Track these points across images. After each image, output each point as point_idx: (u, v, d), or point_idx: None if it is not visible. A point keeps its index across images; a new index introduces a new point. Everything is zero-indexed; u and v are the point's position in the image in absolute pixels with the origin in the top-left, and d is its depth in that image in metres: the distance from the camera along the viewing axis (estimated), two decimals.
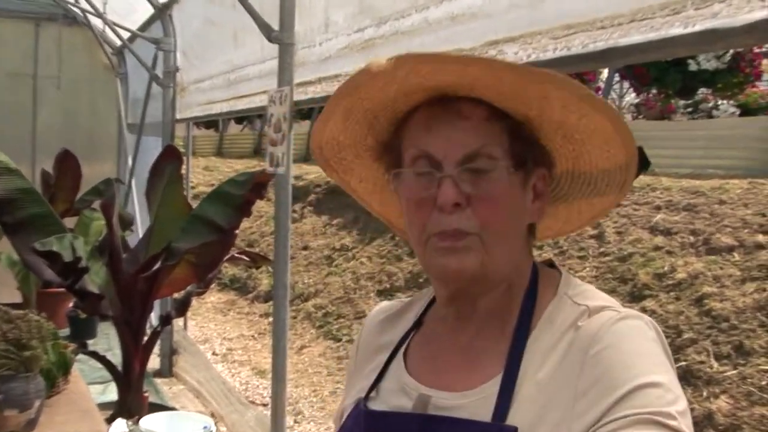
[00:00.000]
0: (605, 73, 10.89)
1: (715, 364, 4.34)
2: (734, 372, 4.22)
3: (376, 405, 1.14)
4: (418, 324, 1.21)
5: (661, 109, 11.15)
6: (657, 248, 5.51)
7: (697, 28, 1.49)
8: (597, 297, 1.07)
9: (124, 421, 2.19)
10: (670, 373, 0.96)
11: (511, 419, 0.98)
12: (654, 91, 10.32)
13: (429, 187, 1.03)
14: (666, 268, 5.26)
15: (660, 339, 1.01)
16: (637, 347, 0.97)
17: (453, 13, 2.30)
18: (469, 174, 1.02)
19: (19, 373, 2.32)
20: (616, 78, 11.99)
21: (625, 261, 5.53)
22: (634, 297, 5.17)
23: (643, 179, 6.70)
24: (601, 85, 11.19)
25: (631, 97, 13.33)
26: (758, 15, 1.36)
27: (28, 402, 2.32)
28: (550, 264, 1.16)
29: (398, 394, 1.12)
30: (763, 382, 4.04)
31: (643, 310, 4.94)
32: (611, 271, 5.53)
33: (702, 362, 4.36)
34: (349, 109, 1.11)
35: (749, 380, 4.11)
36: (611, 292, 5.33)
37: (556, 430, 0.95)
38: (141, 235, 5.03)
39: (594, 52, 1.75)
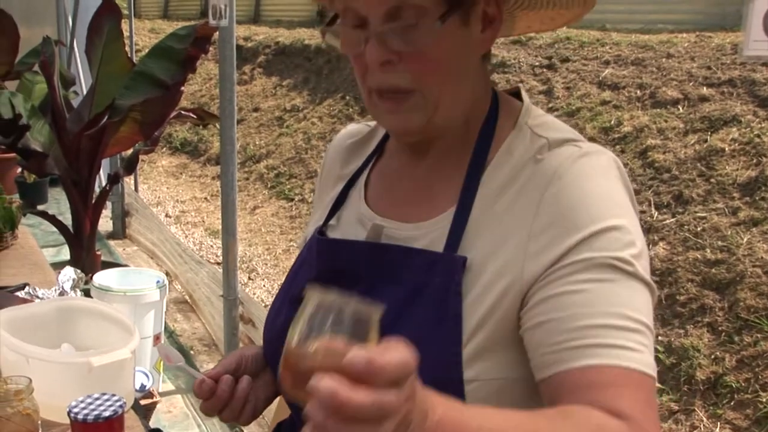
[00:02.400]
0: None
1: (656, 213, 4.48)
2: (672, 220, 4.37)
3: (334, 233, 1.15)
4: (379, 151, 1.20)
5: None
6: (604, 102, 5.56)
7: None
8: (559, 128, 1.04)
9: (72, 269, 2.21)
10: (630, 214, 0.96)
11: (462, 251, 0.97)
12: None
13: (359, 44, 0.99)
14: (612, 122, 5.33)
15: (622, 176, 0.99)
16: (597, 187, 0.95)
17: None
18: (396, 31, 0.96)
19: None
20: None
21: (573, 115, 5.59)
22: None
23: (593, 34, 6.69)
24: None
25: None
26: None
27: None
28: (515, 92, 1.12)
29: (355, 224, 1.12)
30: (699, 228, 4.20)
31: None
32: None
33: (643, 212, 4.50)
34: None
35: (686, 227, 4.27)
36: None
37: (507, 266, 0.94)
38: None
39: None
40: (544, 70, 6.32)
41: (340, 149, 1.27)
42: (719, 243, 4.03)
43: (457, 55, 1.00)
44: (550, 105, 5.86)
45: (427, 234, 1.02)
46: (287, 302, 1.13)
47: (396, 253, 1.03)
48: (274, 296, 1.21)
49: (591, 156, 0.98)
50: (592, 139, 5.27)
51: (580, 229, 0.91)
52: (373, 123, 1.26)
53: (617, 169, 0.99)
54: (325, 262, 1.10)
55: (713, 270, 3.91)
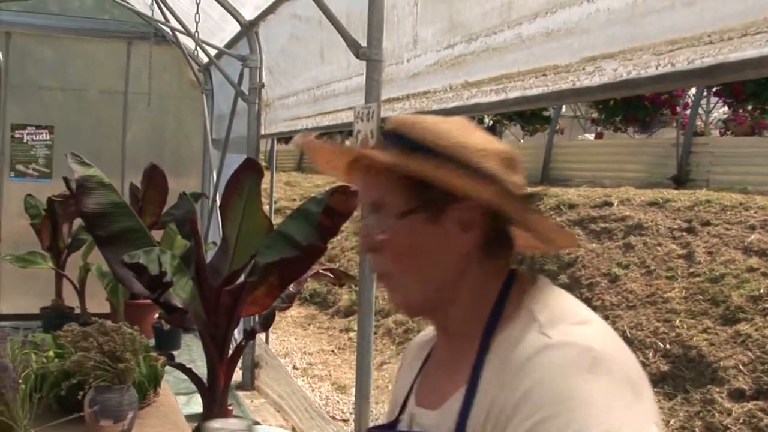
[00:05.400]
0: (693, 89, 10.60)
1: None
2: None
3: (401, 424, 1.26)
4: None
5: (752, 124, 10.80)
6: (751, 269, 5.31)
7: None
8: (552, 311, 1.09)
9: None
10: (611, 411, 0.95)
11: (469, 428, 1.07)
12: (750, 107, 10.02)
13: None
14: (762, 291, 5.06)
15: (599, 362, 0.98)
16: (561, 391, 0.96)
17: (548, 29, 2.26)
18: (374, 220, 1.15)
19: (114, 384, 2.36)
20: (704, 93, 11.67)
21: (716, 282, 5.35)
22: (727, 320, 4.99)
23: (735, 197, 6.49)
24: (689, 101, 10.90)
25: (719, 113, 12.96)
26: None
27: (122, 413, 2.36)
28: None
29: (408, 413, 1.25)
30: None
31: (738, 334, 4.77)
32: (702, 292, 5.36)
33: None
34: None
35: None
36: (702, 314, 5.16)
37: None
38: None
39: (701, 68, 1.69)
40: (684, 233, 6.13)
41: (413, 348, 1.39)
42: None
43: (429, 250, 1.14)
44: (691, 270, 5.65)
45: (443, 416, 1.12)
46: None
47: None
48: None
49: (556, 348, 1.01)
50: (739, 308, 5.01)
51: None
52: None
53: (591, 359, 0.99)
54: None
55: None
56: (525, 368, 1.01)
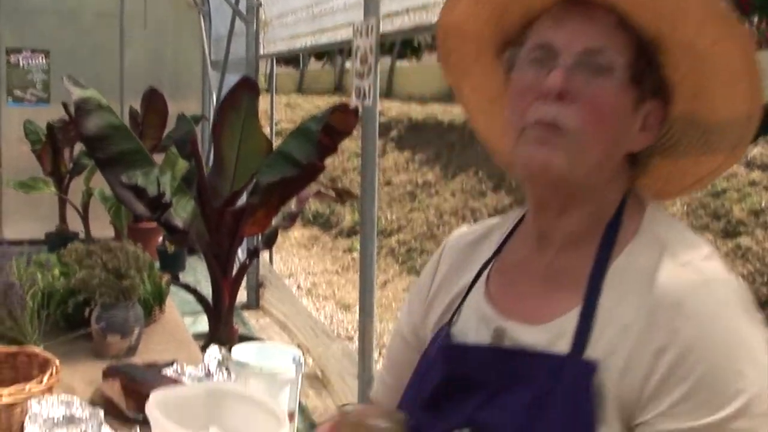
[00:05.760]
0: None
1: None
2: None
3: (455, 333, 1.15)
4: (498, 251, 1.19)
5: (759, 39, 10.65)
6: (753, 184, 5.31)
7: None
8: (682, 238, 1.02)
9: (217, 347, 2.23)
10: (760, 363, 0.93)
11: (587, 356, 0.97)
12: (755, 19, 9.84)
13: (539, 75, 1.01)
14: (763, 204, 5.07)
15: (746, 300, 0.97)
16: (728, 336, 0.93)
17: None
18: (584, 70, 0.99)
19: (119, 301, 2.38)
20: None
21: (718, 197, 5.36)
22: (728, 233, 5.01)
23: None
24: None
25: None
26: None
27: (129, 329, 2.39)
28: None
29: (478, 324, 1.12)
30: None
31: (738, 247, 4.80)
32: (704, 206, 5.37)
33: None
34: None
35: None
36: (704, 228, 5.19)
37: (625, 379, 0.95)
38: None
39: None
40: None
41: (456, 249, 1.26)
42: None
43: (619, 128, 1.01)
44: None
45: (550, 335, 1.02)
46: (417, 407, 1.13)
47: (521, 358, 1.03)
48: (406, 390, 1.22)
49: (715, 286, 0.96)
50: (740, 222, 5.03)
51: (721, 405, 0.90)
52: (488, 222, 1.27)
53: (742, 297, 0.97)
54: (451, 367, 1.10)
55: None
56: (683, 308, 0.93)
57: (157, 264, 6.00)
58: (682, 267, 0.97)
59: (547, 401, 0.98)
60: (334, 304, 6.63)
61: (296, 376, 3.51)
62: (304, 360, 4.47)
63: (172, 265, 6.39)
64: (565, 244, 1.07)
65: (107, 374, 2.12)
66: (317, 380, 4.86)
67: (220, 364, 2.15)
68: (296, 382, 3.54)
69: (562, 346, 1.00)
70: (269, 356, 3.58)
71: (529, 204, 1.13)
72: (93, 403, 1.94)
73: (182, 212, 3.96)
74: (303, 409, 4.40)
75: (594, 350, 0.97)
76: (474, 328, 1.12)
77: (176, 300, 3.33)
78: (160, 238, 6.38)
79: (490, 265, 1.18)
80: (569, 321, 1.00)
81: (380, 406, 1.08)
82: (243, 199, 4.01)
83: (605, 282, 1.00)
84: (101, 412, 1.85)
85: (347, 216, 8.29)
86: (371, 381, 3.63)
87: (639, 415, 0.94)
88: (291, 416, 3.59)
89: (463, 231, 1.30)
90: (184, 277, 5.80)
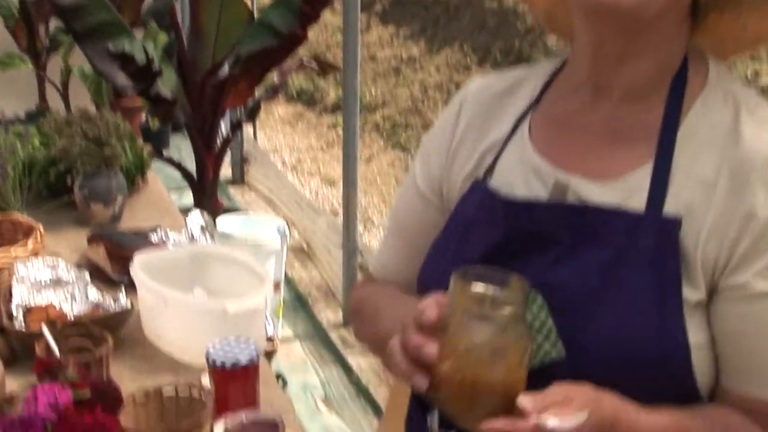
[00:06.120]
0: None
1: None
2: None
3: (498, 187, 1.06)
4: (536, 102, 1.11)
5: None
6: None
7: None
8: (752, 95, 0.98)
9: (200, 211, 2.26)
10: None
11: (666, 213, 0.93)
12: None
13: None
14: None
15: None
16: None
17: None
18: None
19: (101, 169, 2.39)
20: None
21: None
22: None
23: None
24: None
25: None
26: None
27: (112, 197, 2.40)
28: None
29: (527, 177, 1.04)
30: None
31: None
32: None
33: None
34: None
35: None
36: None
37: (706, 235, 0.92)
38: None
39: None
40: None
41: (479, 100, 1.16)
42: None
43: None
44: None
45: (621, 192, 0.97)
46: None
47: (595, 215, 0.96)
48: (435, 252, 1.12)
49: None
50: None
51: None
52: (512, 73, 1.18)
53: None
54: (512, 224, 1.02)
55: None
56: None
57: (140, 142, 5.98)
58: (763, 123, 0.94)
59: (626, 260, 0.93)
60: (319, 180, 6.64)
61: (281, 247, 3.57)
62: (290, 233, 4.54)
63: (157, 142, 6.35)
64: (627, 97, 1.00)
65: (92, 240, 2.15)
66: (303, 252, 4.93)
67: (203, 229, 2.18)
68: (281, 252, 3.61)
69: (636, 203, 0.95)
70: (254, 227, 3.64)
71: (584, 51, 1.02)
72: (79, 267, 1.97)
73: (169, 83, 3.91)
74: (289, 280, 4.48)
75: (672, 207, 0.93)
76: (522, 181, 1.05)
77: (161, 177, 3.34)
78: (143, 116, 6.33)
79: (528, 117, 1.10)
80: (641, 177, 0.96)
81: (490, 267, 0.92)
82: (225, 72, 3.95)
83: (678, 139, 0.95)
84: (87, 274, 1.89)
85: (332, 92, 8.21)
86: (356, 251, 3.69)
87: (729, 277, 0.92)
88: (276, 286, 3.68)
89: (483, 82, 1.20)
90: (168, 154, 5.79)
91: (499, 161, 1.08)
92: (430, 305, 0.88)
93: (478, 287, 0.86)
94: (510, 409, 0.85)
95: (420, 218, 1.19)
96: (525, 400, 0.81)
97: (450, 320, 0.86)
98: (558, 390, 0.85)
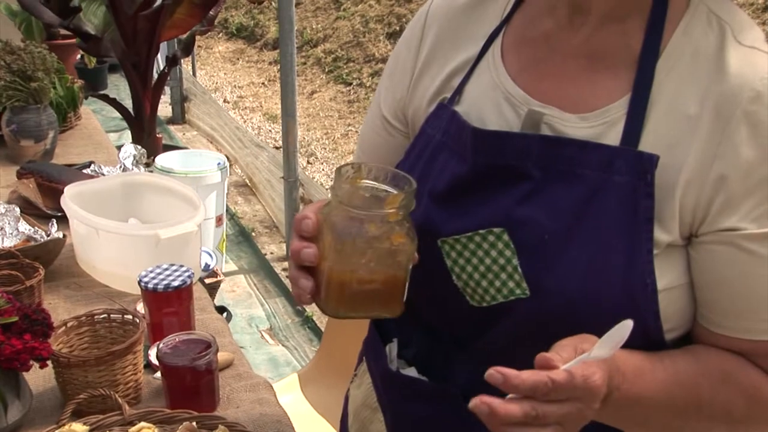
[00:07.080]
0: None
1: None
2: None
3: (467, 113, 0.98)
4: (506, 20, 1.01)
5: None
6: None
7: None
8: (738, 16, 0.89)
9: (132, 144, 2.23)
10: None
11: (643, 147, 0.87)
12: None
13: None
14: None
15: None
16: None
17: None
18: None
19: (29, 104, 2.33)
20: None
21: None
22: None
23: None
24: None
25: None
26: None
27: (42, 133, 2.35)
28: None
29: (498, 104, 0.97)
30: None
31: None
32: None
33: None
34: None
35: None
36: None
37: (685, 173, 0.85)
38: None
39: None
40: None
41: (444, 15, 1.05)
42: None
43: None
44: None
45: (598, 125, 0.90)
46: (426, 195, 0.97)
47: (571, 148, 0.89)
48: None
49: None
50: None
51: None
52: None
53: None
54: (480, 156, 0.93)
55: None
56: (764, 99, 0.83)
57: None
58: (750, 51, 0.86)
59: (599, 197, 0.87)
60: (261, 116, 6.58)
61: (222, 181, 3.55)
62: (233, 170, 4.50)
63: (93, 81, 6.21)
64: (606, 18, 0.90)
65: (22, 174, 2.11)
66: (246, 188, 4.91)
67: (136, 160, 2.15)
68: (222, 186, 3.59)
69: (613, 138, 0.88)
70: (194, 163, 3.61)
71: None
72: (9, 202, 1.94)
73: (93, 18, 3.82)
74: (233, 215, 4.47)
75: (649, 144, 0.87)
76: (493, 109, 0.97)
77: (99, 118, 3.27)
78: (79, 56, 6.17)
79: (499, 36, 1.00)
80: (620, 110, 0.89)
81: (382, 164, 0.90)
82: (158, 3, 3.85)
83: (658, 67, 0.88)
84: (17, 209, 1.85)
85: (272, 28, 8.08)
86: (296, 182, 3.68)
87: (714, 221, 0.86)
88: (219, 220, 3.67)
89: None
90: (106, 93, 5.67)
91: (467, 84, 1.01)
92: (307, 212, 0.88)
93: (365, 184, 0.86)
94: (387, 310, 0.86)
95: (385, 143, 1.14)
96: (545, 358, 0.75)
97: (327, 219, 0.85)
98: (569, 341, 0.80)
